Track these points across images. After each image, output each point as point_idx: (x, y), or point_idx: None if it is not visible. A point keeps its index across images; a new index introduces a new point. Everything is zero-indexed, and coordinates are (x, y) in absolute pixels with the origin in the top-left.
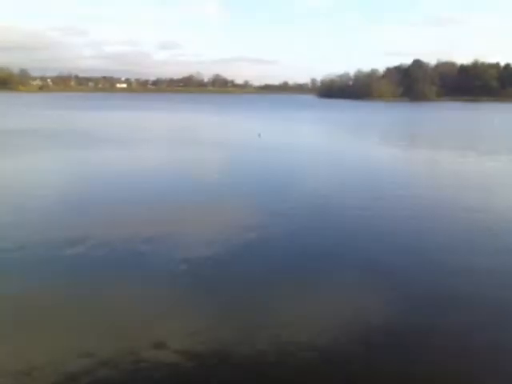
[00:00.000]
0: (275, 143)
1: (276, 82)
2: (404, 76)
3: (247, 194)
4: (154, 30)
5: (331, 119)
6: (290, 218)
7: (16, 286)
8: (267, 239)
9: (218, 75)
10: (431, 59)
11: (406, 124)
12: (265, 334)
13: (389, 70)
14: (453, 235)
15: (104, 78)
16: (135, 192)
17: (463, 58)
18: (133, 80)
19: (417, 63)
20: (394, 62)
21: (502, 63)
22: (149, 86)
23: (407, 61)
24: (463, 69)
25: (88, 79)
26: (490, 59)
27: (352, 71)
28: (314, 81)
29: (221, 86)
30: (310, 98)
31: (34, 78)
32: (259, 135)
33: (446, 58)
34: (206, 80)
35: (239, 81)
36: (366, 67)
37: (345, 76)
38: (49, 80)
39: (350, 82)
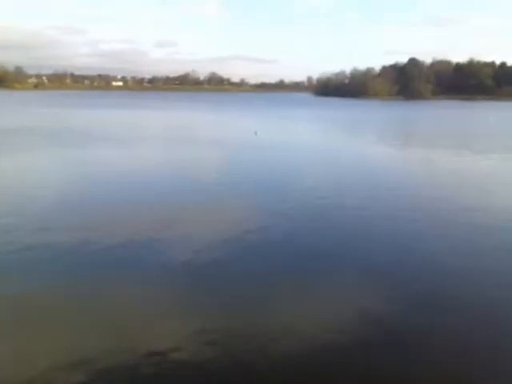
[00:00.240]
0: (272, 141)
1: (272, 80)
2: (400, 74)
3: (244, 193)
4: (151, 29)
5: (327, 117)
6: (288, 217)
7: (12, 287)
8: (265, 239)
9: (214, 73)
10: (427, 58)
11: (402, 123)
12: (264, 334)
13: (384, 69)
14: (450, 234)
15: (100, 76)
16: (132, 191)
17: (459, 57)
18: (129, 78)
19: (412, 62)
20: (390, 61)
21: (498, 62)
22: (145, 84)
23: (404, 60)
24: (458, 67)
25: (84, 77)
26: (486, 58)
27: (348, 69)
28: (310, 79)
29: (217, 84)
30: (306, 96)
31: (30, 76)
32: (255, 133)
33: (441, 56)
34: (201, 78)
35: (235, 79)
36: (363, 66)
37: (341, 74)
38: (44, 78)
39: (346, 81)
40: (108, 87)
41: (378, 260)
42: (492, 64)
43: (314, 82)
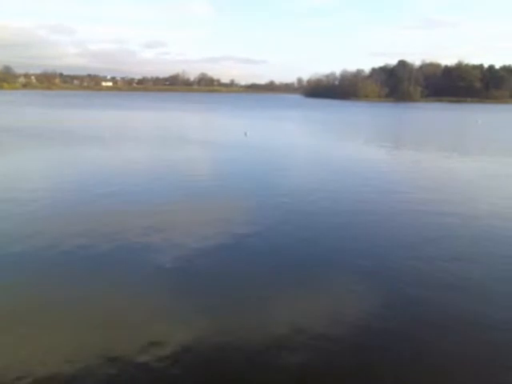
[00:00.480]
0: (262, 142)
1: (262, 81)
2: (389, 76)
3: (233, 194)
4: (140, 29)
5: (317, 119)
6: (278, 218)
7: None
8: (256, 240)
9: (204, 74)
10: (416, 60)
11: (391, 125)
12: (255, 336)
13: (374, 70)
14: (438, 234)
15: (89, 76)
16: (121, 191)
17: (448, 60)
18: (118, 78)
19: (402, 63)
20: (380, 63)
21: (486, 65)
22: (134, 85)
23: (394, 62)
24: (447, 70)
25: (73, 77)
26: (474, 61)
27: (338, 71)
28: (300, 80)
29: (207, 85)
30: (297, 97)
31: (18, 76)
32: (246, 134)
33: (431, 59)
34: (191, 79)
35: (225, 80)
36: (353, 67)
37: (331, 76)
38: (33, 77)
39: (336, 82)
40: (97, 87)
41: (367, 262)
42: (480, 67)
43: (304, 84)
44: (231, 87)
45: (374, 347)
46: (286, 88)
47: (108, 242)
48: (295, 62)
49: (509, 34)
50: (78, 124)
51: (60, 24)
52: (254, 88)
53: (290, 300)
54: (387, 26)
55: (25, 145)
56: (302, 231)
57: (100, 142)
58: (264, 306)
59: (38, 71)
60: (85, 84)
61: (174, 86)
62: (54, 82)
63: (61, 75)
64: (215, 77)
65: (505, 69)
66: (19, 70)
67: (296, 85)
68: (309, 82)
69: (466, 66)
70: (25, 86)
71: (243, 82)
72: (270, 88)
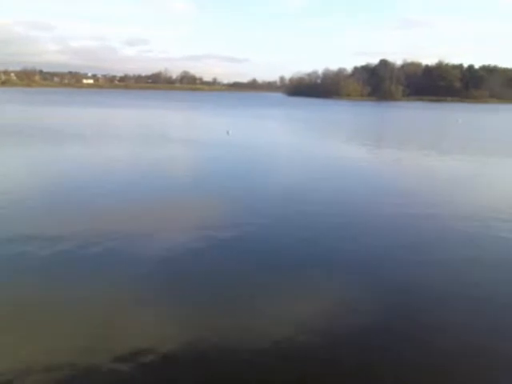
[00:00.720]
0: (244, 141)
1: (245, 79)
2: (371, 75)
3: (214, 191)
4: (121, 26)
5: (299, 117)
6: (260, 215)
7: None
8: (238, 237)
9: (186, 72)
10: (398, 59)
11: (373, 123)
12: (248, 334)
13: (356, 69)
14: (420, 233)
15: (70, 73)
16: (102, 189)
17: (428, 60)
18: (100, 76)
19: (383, 63)
20: (362, 62)
21: (465, 65)
22: (116, 82)
23: (375, 61)
24: (428, 69)
25: (53, 74)
26: (454, 60)
27: (321, 70)
28: (282, 79)
29: (189, 83)
30: (279, 95)
31: None
32: (228, 133)
33: (412, 58)
34: (174, 77)
35: (208, 78)
36: (335, 66)
37: (313, 74)
38: (12, 74)
39: (319, 81)
40: (78, 85)
41: (349, 259)
42: (460, 66)
43: (287, 82)
44: (214, 85)
45: (374, 347)
46: (269, 86)
47: (89, 241)
48: (278, 60)
49: (486, 34)
50: (59, 121)
51: (39, 20)
52: (236, 86)
53: (281, 299)
54: (368, 26)
55: (4, 142)
56: (285, 229)
57: (81, 139)
58: (256, 306)
59: (18, 68)
60: (65, 81)
61: (156, 83)
62: (34, 79)
63: (41, 72)
64: (198, 75)
65: (484, 69)
66: None
67: (278, 83)
68: (291, 80)
69: (446, 65)
70: (4, 83)
71: (226, 81)
72: (253, 86)
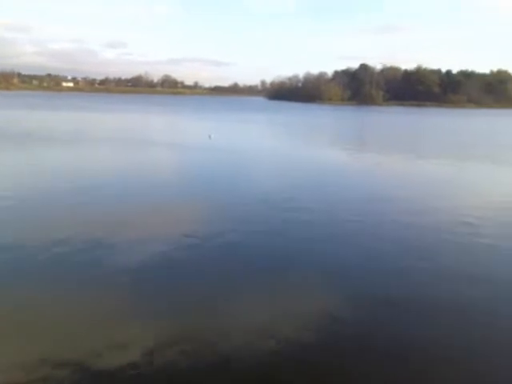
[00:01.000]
0: (225, 145)
1: (226, 83)
2: (351, 79)
3: (195, 195)
4: (100, 29)
5: (280, 121)
6: (240, 219)
7: None
8: (218, 240)
9: (167, 76)
10: (378, 64)
11: (354, 128)
12: (219, 337)
13: (337, 73)
14: (399, 235)
15: (49, 76)
16: (81, 194)
17: (407, 64)
18: (79, 79)
19: (363, 67)
20: (342, 66)
21: (444, 70)
22: (96, 86)
23: (356, 65)
24: (407, 74)
25: (32, 77)
26: (433, 66)
27: (302, 74)
28: (263, 83)
29: (170, 87)
30: (260, 100)
31: None
32: (210, 137)
33: (391, 63)
34: (155, 80)
35: (189, 82)
36: (316, 70)
37: (294, 78)
38: None
39: (300, 85)
40: (58, 88)
41: (329, 262)
42: (438, 71)
43: (268, 86)
44: (195, 89)
45: (344, 354)
46: (250, 90)
47: (66, 245)
48: (259, 64)
49: (463, 39)
50: (38, 125)
51: (14, 22)
52: (218, 90)
53: (255, 302)
54: (349, 31)
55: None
56: (264, 233)
57: (61, 143)
58: (236, 313)
59: None
60: (45, 84)
61: (136, 87)
62: (13, 81)
63: (19, 75)
64: (179, 79)
65: (462, 74)
66: None
67: (260, 87)
68: (272, 84)
69: (425, 70)
70: None
71: (207, 84)
72: (234, 90)
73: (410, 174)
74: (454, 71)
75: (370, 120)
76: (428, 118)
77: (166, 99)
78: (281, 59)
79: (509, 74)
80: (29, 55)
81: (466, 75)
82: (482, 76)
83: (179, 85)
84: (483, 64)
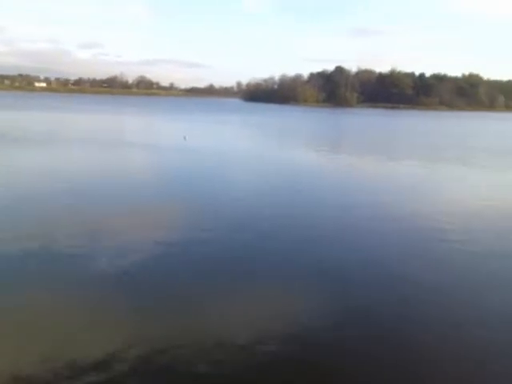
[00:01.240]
0: (200, 147)
1: (202, 85)
2: (327, 81)
3: (169, 197)
4: (75, 29)
5: (256, 123)
6: (215, 220)
7: None
8: (194, 242)
9: (142, 77)
10: (353, 67)
11: (329, 129)
12: (195, 339)
13: (312, 76)
14: (374, 236)
15: (21, 76)
16: (54, 195)
17: (382, 68)
18: (52, 79)
19: (338, 69)
20: (318, 69)
21: (417, 73)
22: (70, 86)
23: (331, 68)
24: (381, 77)
25: (4, 77)
26: (406, 69)
27: (277, 75)
28: (239, 84)
29: (146, 88)
30: (236, 101)
31: None
32: (185, 138)
33: (366, 66)
34: (130, 81)
35: (165, 83)
36: (292, 72)
37: (270, 80)
38: None
39: (275, 86)
40: (30, 88)
41: (299, 266)
42: (412, 74)
43: (244, 88)
44: (170, 91)
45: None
46: (226, 92)
47: (40, 249)
48: (235, 65)
49: (436, 43)
50: (10, 125)
51: None
52: (193, 92)
53: (231, 304)
54: (324, 33)
55: None
56: (236, 234)
57: (35, 144)
58: (206, 312)
59: None
60: (16, 84)
61: (111, 88)
62: None
63: None
64: (154, 80)
65: (434, 77)
66: None
67: (235, 89)
68: (248, 86)
69: (399, 73)
70: None
71: (183, 86)
72: (210, 92)
73: (380, 176)
74: (427, 74)
75: (344, 122)
76: (401, 119)
77: (140, 100)
78: (256, 61)
79: (480, 78)
80: (0, 55)
81: (439, 78)
82: (454, 79)
83: (154, 86)
84: (455, 68)
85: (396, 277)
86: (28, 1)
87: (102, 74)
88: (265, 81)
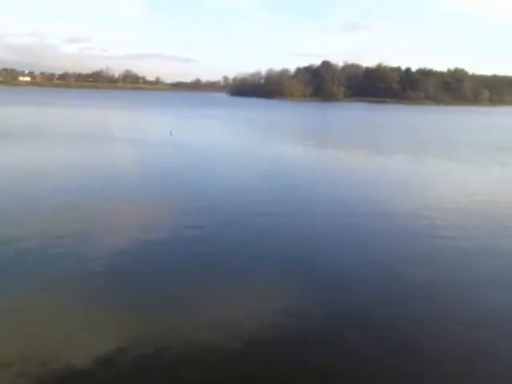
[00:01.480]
0: (187, 142)
1: (188, 79)
2: (314, 76)
3: (156, 193)
4: (61, 23)
5: (242, 117)
6: (201, 215)
7: None
8: (175, 240)
9: (128, 71)
10: (340, 61)
11: (316, 124)
12: (179, 337)
13: (299, 70)
14: (361, 232)
15: (5, 70)
16: (38, 192)
17: (369, 62)
18: (37, 73)
19: (325, 64)
20: (305, 63)
21: (403, 68)
22: (55, 81)
23: (318, 62)
24: (368, 71)
25: None
26: (393, 63)
27: (264, 70)
28: (226, 79)
29: (132, 83)
30: (223, 96)
31: None
32: (171, 133)
33: (353, 60)
34: (116, 75)
35: (151, 77)
36: (279, 67)
37: (256, 75)
38: None
39: (262, 81)
40: (14, 82)
41: (294, 260)
42: (398, 69)
43: (230, 82)
44: (157, 85)
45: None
46: (212, 86)
47: (30, 246)
48: (222, 60)
49: (422, 38)
50: None
51: None
52: (179, 86)
53: (227, 303)
54: (312, 29)
55: None
56: (224, 229)
57: (18, 139)
58: (195, 309)
59: None
60: (0, 78)
61: (97, 82)
62: None
63: None
64: (140, 74)
65: (420, 72)
66: None
67: (222, 83)
68: (234, 80)
69: (385, 68)
70: None
71: (169, 80)
72: (196, 86)
73: (368, 171)
74: (414, 69)
75: (332, 116)
76: (387, 114)
77: (127, 95)
78: (243, 56)
79: (465, 73)
80: None
81: (425, 73)
82: (440, 74)
83: (141, 80)
84: (441, 63)
85: (387, 274)
86: None
87: (88, 68)
88: (251, 75)
